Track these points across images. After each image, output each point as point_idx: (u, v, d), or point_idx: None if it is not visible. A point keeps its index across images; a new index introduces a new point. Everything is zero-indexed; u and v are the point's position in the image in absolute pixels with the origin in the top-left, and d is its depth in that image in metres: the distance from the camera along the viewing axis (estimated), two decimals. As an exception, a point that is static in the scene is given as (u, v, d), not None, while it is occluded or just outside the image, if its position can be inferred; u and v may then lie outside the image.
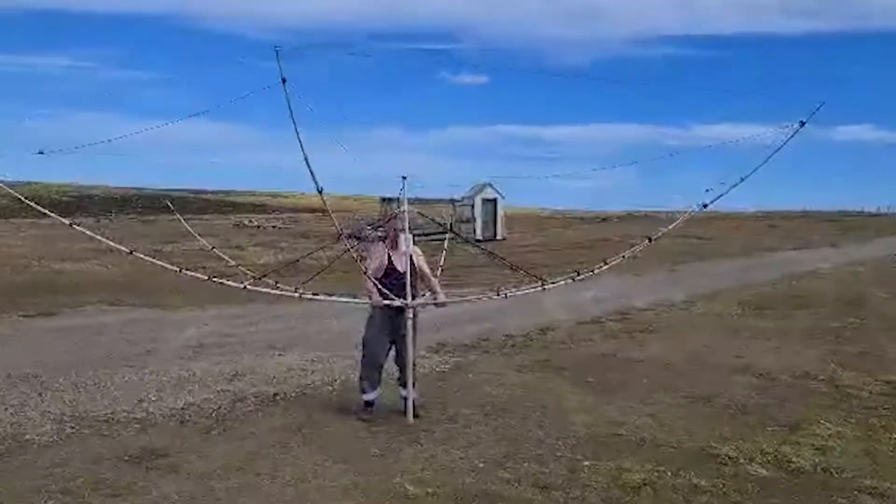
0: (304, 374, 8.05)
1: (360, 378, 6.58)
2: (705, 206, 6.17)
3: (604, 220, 50.23)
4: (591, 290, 14.24)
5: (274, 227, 34.16)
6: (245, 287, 6.34)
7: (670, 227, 6.99)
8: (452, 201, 32.86)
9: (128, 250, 6.34)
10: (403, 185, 6.43)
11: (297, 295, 6.61)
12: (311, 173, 5.58)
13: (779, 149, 5.51)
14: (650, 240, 6.96)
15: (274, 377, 7.84)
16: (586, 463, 5.35)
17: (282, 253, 25.26)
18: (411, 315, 6.28)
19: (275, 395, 7.18)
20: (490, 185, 32.35)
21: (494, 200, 33.82)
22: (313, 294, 6.75)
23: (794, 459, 5.40)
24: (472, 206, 33.35)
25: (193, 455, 5.44)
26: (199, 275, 6.70)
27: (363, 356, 6.58)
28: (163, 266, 6.66)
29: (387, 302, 6.28)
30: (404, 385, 6.47)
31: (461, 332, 10.63)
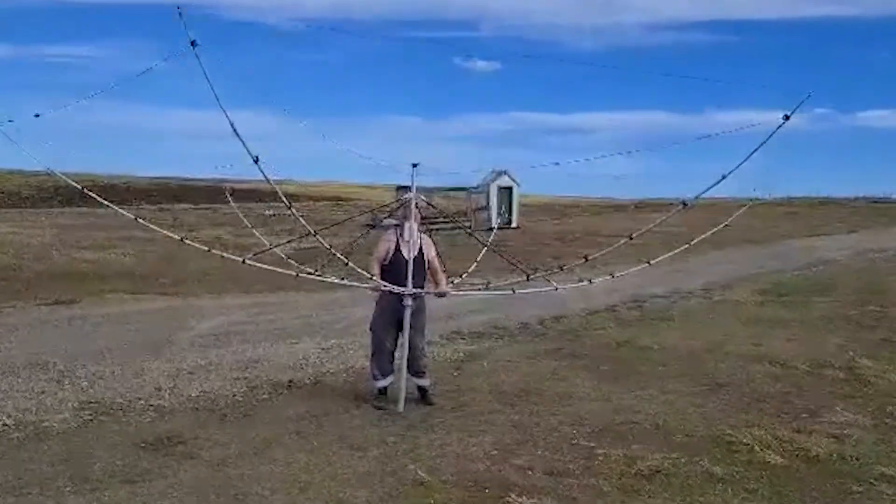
0: (319, 362, 8.09)
1: (371, 365, 6.65)
2: (684, 204, 6.36)
3: (617, 209, 49.91)
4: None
5: (288, 215, 34.27)
6: (244, 261, 6.27)
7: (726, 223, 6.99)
8: (468, 189, 32.77)
9: (178, 237, 6.37)
10: (413, 173, 6.43)
11: (293, 274, 6.69)
12: (243, 143, 5.38)
13: (763, 143, 5.40)
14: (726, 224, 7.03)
15: (290, 365, 7.89)
16: (600, 451, 5.35)
17: (298, 240, 25.32)
18: (409, 302, 6.31)
19: (290, 382, 7.23)
20: (506, 173, 32.22)
21: (510, 188, 33.68)
22: (309, 273, 6.83)
23: (809, 447, 5.37)
24: (488, 194, 33.23)
25: (209, 442, 5.49)
26: (199, 245, 6.63)
27: (371, 343, 6.64)
28: (165, 234, 6.65)
29: (386, 288, 6.34)
30: (413, 373, 6.50)
31: (475, 320, 10.64)
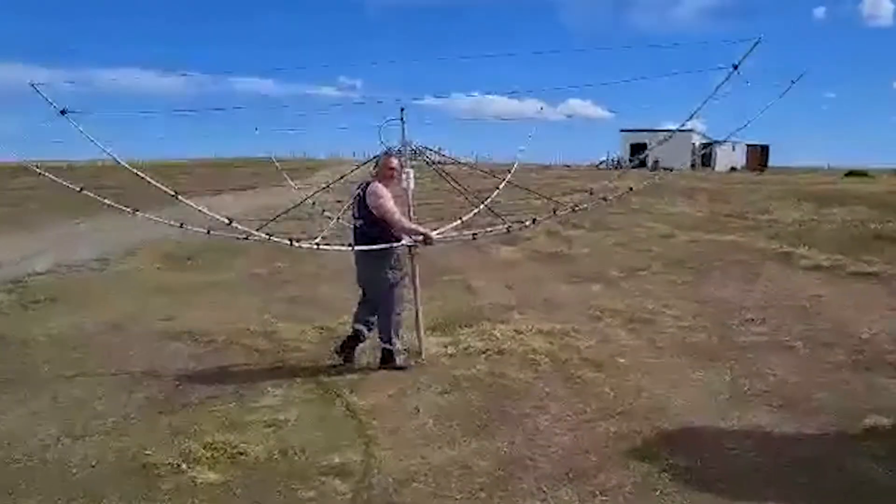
0: None
1: (396, 332, 5.97)
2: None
3: None
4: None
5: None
6: None
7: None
8: None
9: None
10: (403, 116, 5.92)
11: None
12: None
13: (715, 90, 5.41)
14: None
15: None
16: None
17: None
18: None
19: None
20: None
21: None
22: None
23: (246, 448, 4.38)
24: None
25: None
26: None
27: (401, 309, 5.99)
28: None
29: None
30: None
31: None
